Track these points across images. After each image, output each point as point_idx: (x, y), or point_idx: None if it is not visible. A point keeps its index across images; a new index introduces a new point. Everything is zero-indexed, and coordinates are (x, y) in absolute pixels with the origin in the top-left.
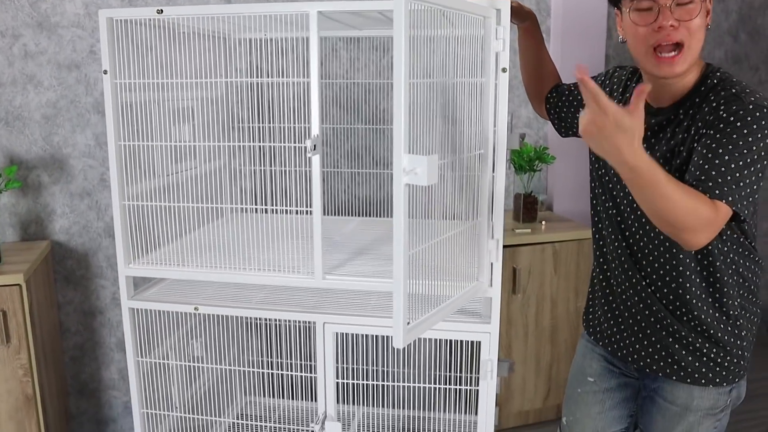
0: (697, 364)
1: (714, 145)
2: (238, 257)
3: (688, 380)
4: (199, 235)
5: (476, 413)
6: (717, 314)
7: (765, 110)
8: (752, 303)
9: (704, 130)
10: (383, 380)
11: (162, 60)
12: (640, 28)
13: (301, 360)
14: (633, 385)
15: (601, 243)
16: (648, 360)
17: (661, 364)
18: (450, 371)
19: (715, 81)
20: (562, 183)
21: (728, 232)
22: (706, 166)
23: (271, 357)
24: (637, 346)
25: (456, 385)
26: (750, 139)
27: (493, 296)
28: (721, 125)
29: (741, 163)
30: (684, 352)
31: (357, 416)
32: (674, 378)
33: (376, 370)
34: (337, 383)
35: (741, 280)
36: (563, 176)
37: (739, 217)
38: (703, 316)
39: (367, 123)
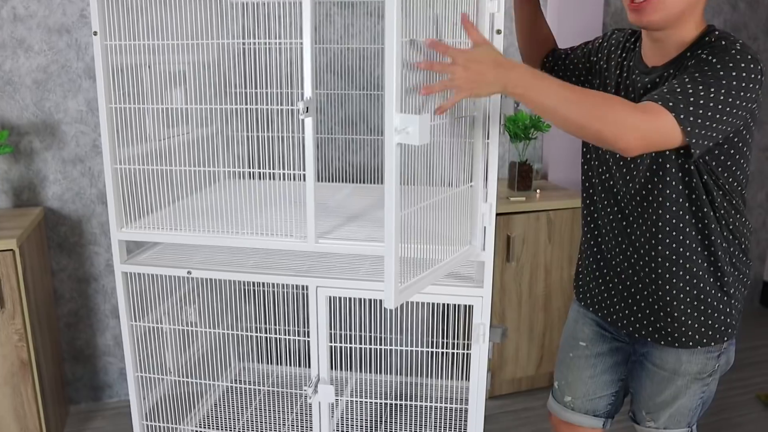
0: (683, 328)
1: (685, 78)
2: (231, 222)
3: (676, 344)
4: (192, 200)
5: (468, 379)
6: (707, 275)
7: (748, 57)
8: (743, 263)
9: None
10: (377, 344)
11: (153, 22)
12: None
13: (295, 326)
14: (624, 349)
15: (591, 209)
16: (637, 325)
17: (650, 329)
18: (443, 338)
19: (713, 39)
20: (557, 152)
21: (716, 189)
22: (666, 89)
23: (267, 323)
24: (627, 311)
25: (449, 349)
26: (724, 79)
27: (485, 260)
28: (700, 64)
29: (706, 95)
30: (671, 319)
31: (350, 382)
32: (662, 343)
33: (370, 336)
34: (331, 347)
35: (731, 238)
36: (558, 145)
37: (690, 150)
38: (692, 278)
39: (362, 89)
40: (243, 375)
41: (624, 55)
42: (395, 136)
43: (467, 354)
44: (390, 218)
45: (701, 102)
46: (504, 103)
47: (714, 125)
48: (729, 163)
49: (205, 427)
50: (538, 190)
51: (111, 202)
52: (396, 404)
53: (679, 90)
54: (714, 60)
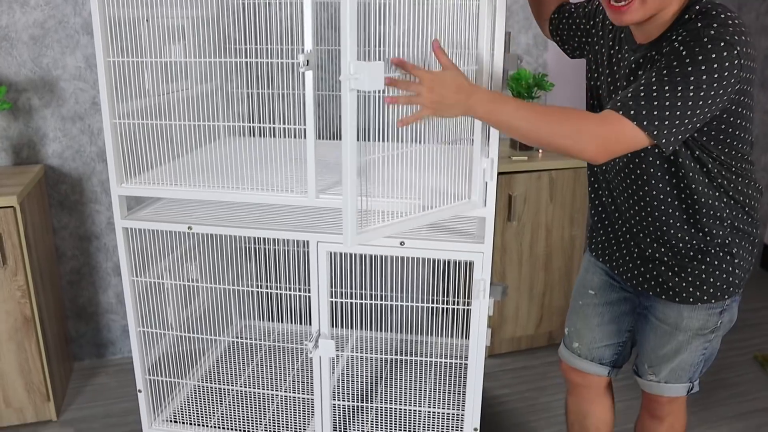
0: (684, 284)
1: (652, 75)
2: (231, 177)
3: (677, 299)
4: (192, 157)
5: (468, 337)
6: (706, 237)
7: (721, 44)
8: (748, 224)
9: (649, 64)
10: (378, 300)
11: None
12: None
13: (296, 284)
14: (631, 300)
15: (592, 168)
16: (640, 279)
17: (652, 283)
18: (444, 296)
19: (693, 16)
20: None
21: (711, 161)
22: (630, 93)
23: (268, 282)
24: (631, 265)
25: (449, 305)
26: (692, 75)
27: (486, 216)
28: (670, 57)
29: (672, 95)
30: (671, 274)
31: (351, 340)
32: (664, 297)
33: (371, 294)
34: (332, 302)
35: (733, 202)
36: (562, 104)
37: (662, 147)
38: (689, 240)
39: (364, 45)
40: (245, 332)
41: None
42: (348, 82)
43: (467, 311)
44: (347, 156)
45: (667, 103)
46: (507, 58)
47: (684, 121)
48: (722, 136)
49: (208, 382)
50: (540, 150)
51: (110, 157)
52: (396, 359)
53: (643, 93)
54: (685, 52)
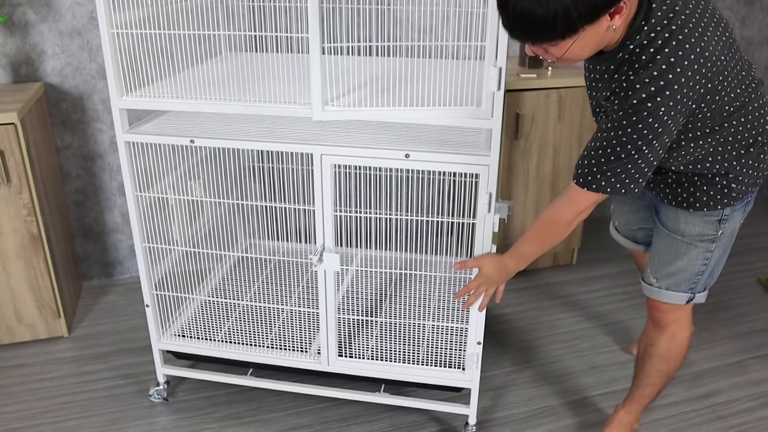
0: (680, 190)
1: (601, 134)
2: (234, 91)
3: (674, 203)
4: (194, 72)
5: (473, 255)
6: (696, 177)
7: (669, 76)
8: (750, 156)
9: (610, 107)
10: (382, 213)
11: None
12: None
13: (302, 203)
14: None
15: None
16: (649, 183)
17: (656, 190)
18: (450, 212)
19: (636, 49)
20: None
21: (688, 139)
22: (587, 158)
23: (271, 200)
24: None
25: (455, 218)
26: (640, 123)
27: (493, 127)
28: (622, 103)
29: (626, 151)
30: (669, 182)
31: (356, 259)
32: (665, 201)
33: (377, 212)
34: (336, 216)
35: (721, 148)
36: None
37: (630, 193)
38: (678, 171)
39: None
40: (251, 251)
41: None
42: None
43: (472, 226)
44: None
45: (618, 169)
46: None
47: (643, 170)
48: (699, 123)
49: (215, 297)
50: (549, 68)
51: (110, 69)
52: (402, 273)
53: (594, 160)
54: (635, 100)
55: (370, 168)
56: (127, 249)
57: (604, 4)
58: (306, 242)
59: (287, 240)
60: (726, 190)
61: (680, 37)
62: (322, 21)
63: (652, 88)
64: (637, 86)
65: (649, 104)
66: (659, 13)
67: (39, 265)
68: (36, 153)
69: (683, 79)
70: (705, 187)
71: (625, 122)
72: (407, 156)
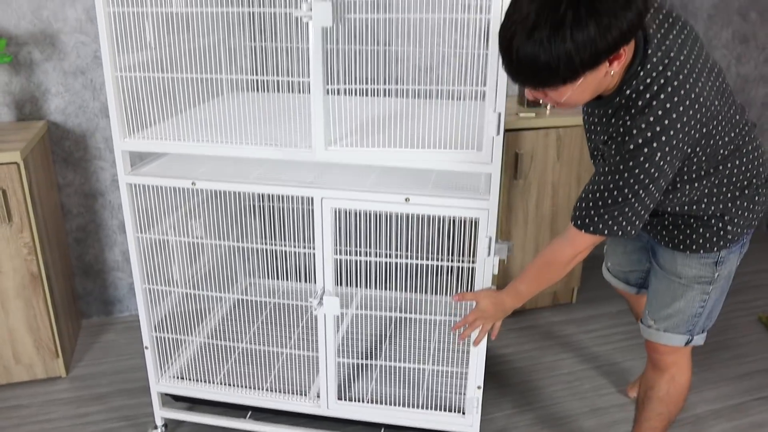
0: (676, 232)
1: (599, 178)
2: (235, 133)
3: (670, 245)
4: (195, 113)
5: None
6: (693, 220)
7: (666, 121)
8: (745, 198)
9: (607, 152)
10: (382, 257)
11: None
12: None
13: (302, 242)
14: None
15: None
16: (646, 225)
17: (653, 232)
18: (450, 252)
19: (632, 95)
20: None
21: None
22: (584, 201)
23: (272, 240)
24: None
25: (455, 262)
26: (637, 168)
27: (492, 172)
28: (620, 149)
29: (602, 187)
30: (661, 227)
31: (356, 298)
32: (662, 243)
33: (375, 252)
34: (336, 260)
35: (716, 191)
36: None
37: (627, 236)
38: (675, 214)
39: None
40: (250, 290)
41: None
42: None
43: (472, 269)
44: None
45: (615, 213)
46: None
47: (639, 212)
48: (695, 167)
49: (214, 339)
50: (548, 106)
51: (113, 112)
52: (400, 317)
53: (592, 203)
54: (631, 145)
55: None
56: (127, 287)
57: (605, 50)
58: (306, 281)
59: (287, 279)
60: (722, 232)
61: (675, 83)
62: (324, 64)
63: (648, 134)
64: (634, 131)
65: (646, 149)
66: (654, 59)
67: (38, 305)
68: (38, 191)
69: (678, 125)
70: (701, 230)
71: (622, 167)
72: (407, 200)
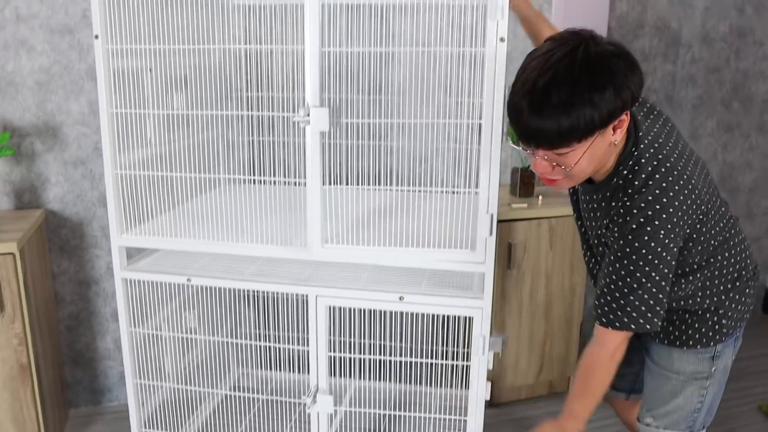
0: (671, 328)
1: (609, 269)
2: (231, 228)
3: (666, 342)
4: (193, 205)
5: (468, 387)
6: (687, 315)
7: (645, 217)
8: (736, 291)
9: (611, 237)
10: (376, 354)
11: (156, 25)
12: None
13: (295, 332)
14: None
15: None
16: None
17: None
18: (444, 345)
19: (625, 172)
20: None
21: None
22: (603, 300)
23: (266, 329)
24: None
25: (449, 360)
26: (641, 261)
27: (486, 271)
28: (620, 241)
29: (615, 288)
30: (662, 323)
31: (349, 390)
32: (657, 341)
33: (371, 344)
34: (330, 357)
35: (708, 284)
36: None
37: (654, 328)
38: (671, 310)
39: (368, 93)
40: (242, 381)
41: None
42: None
43: (467, 367)
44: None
45: (636, 302)
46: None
47: (659, 297)
48: (680, 270)
49: None
50: (540, 197)
51: (111, 208)
52: (394, 415)
53: (610, 298)
54: (633, 225)
55: None
56: (117, 376)
57: (621, 108)
58: (299, 372)
59: (280, 369)
60: (717, 326)
61: (668, 164)
62: (321, 165)
63: (649, 212)
64: (635, 211)
65: (648, 228)
66: (646, 141)
67: (26, 397)
68: (32, 281)
69: (677, 203)
70: (696, 324)
71: (628, 249)
72: (401, 298)
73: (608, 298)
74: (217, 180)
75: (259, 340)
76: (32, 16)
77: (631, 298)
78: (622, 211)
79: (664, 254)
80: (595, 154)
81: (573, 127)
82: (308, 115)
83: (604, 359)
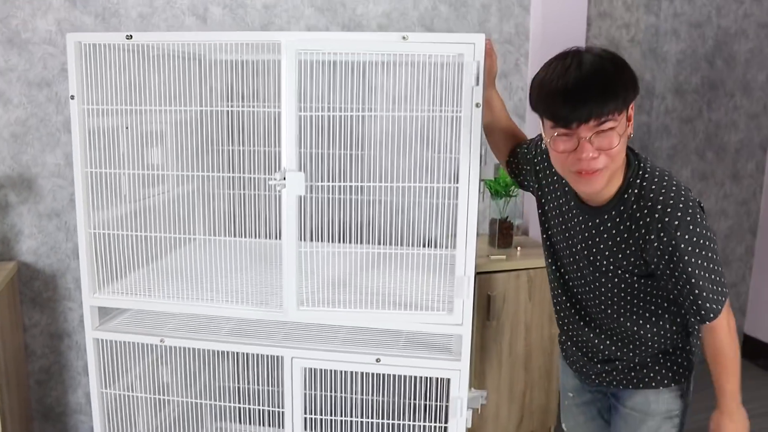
0: (644, 370)
1: (696, 272)
2: (206, 286)
3: (641, 386)
4: (168, 261)
5: None
6: (664, 343)
7: (694, 207)
8: (692, 325)
9: (668, 253)
10: (353, 415)
11: (134, 83)
12: (561, 155)
13: (271, 386)
14: (603, 397)
15: (554, 284)
16: (605, 376)
17: (620, 377)
18: (422, 399)
19: (637, 190)
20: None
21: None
22: (703, 297)
23: (244, 383)
24: (596, 369)
25: (428, 421)
26: (695, 259)
27: (463, 334)
28: (688, 248)
29: (701, 281)
30: (639, 368)
31: None
32: (631, 387)
33: (345, 397)
34: (305, 419)
35: (676, 328)
36: None
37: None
38: (655, 342)
39: (348, 149)
40: None
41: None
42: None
43: (444, 426)
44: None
45: (705, 291)
46: (484, 169)
47: (720, 267)
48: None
49: None
50: (518, 248)
51: (84, 267)
52: None
53: (695, 299)
54: (695, 237)
55: None
56: (88, 430)
57: (633, 98)
58: (277, 426)
59: (254, 424)
60: (685, 363)
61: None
62: (298, 227)
63: (682, 198)
64: (671, 202)
65: (690, 210)
66: (646, 159)
67: None
68: (2, 335)
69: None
70: (668, 363)
71: (695, 239)
72: (378, 360)
73: (714, 283)
74: (194, 233)
75: (235, 398)
76: (10, 69)
77: (719, 268)
78: (657, 211)
79: (713, 243)
80: (624, 141)
81: (616, 89)
82: (284, 178)
83: (727, 337)
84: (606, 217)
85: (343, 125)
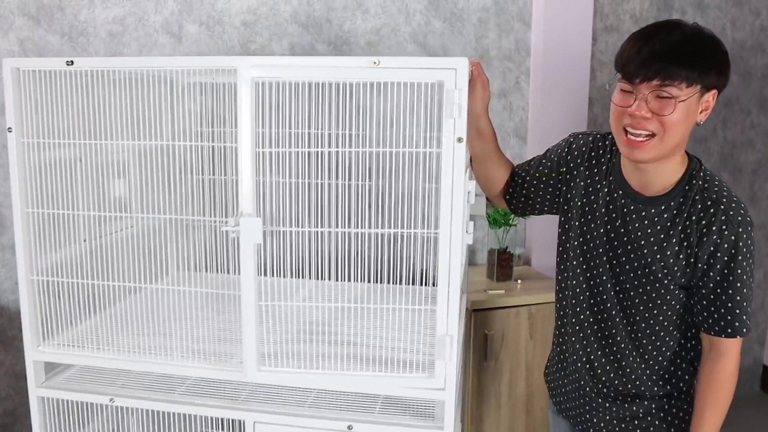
0: (649, 418)
1: (743, 277)
2: (160, 339)
3: (651, 429)
4: (121, 307)
5: None
6: (683, 395)
7: (749, 225)
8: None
9: (708, 263)
10: None
11: (87, 114)
12: (617, 108)
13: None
14: None
15: (562, 312)
16: (609, 428)
17: (622, 425)
18: None
19: (700, 183)
20: (541, 235)
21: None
22: (723, 314)
23: None
24: (595, 420)
25: None
26: (745, 264)
27: (446, 399)
28: (743, 249)
29: (744, 289)
30: (641, 415)
31: None
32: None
33: None
34: None
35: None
36: (543, 228)
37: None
38: (663, 393)
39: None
40: None
41: (592, 168)
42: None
43: None
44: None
45: (743, 302)
46: (475, 205)
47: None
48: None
49: None
50: (519, 281)
51: (26, 319)
52: None
53: (745, 291)
54: (736, 253)
55: None
56: None
57: (715, 85)
58: None
59: None
60: (687, 417)
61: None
62: (256, 280)
63: (742, 204)
64: (734, 201)
65: (749, 219)
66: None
67: None
68: None
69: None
70: (685, 406)
71: (743, 248)
72: (350, 428)
73: (744, 303)
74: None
75: None
76: None
77: (742, 302)
78: (719, 237)
79: (750, 267)
80: (686, 118)
81: (697, 60)
82: (237, 225)
83: (734, 369)
84: (663, 207)
85: (317, 155)
